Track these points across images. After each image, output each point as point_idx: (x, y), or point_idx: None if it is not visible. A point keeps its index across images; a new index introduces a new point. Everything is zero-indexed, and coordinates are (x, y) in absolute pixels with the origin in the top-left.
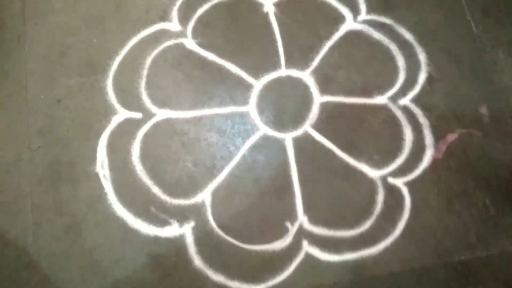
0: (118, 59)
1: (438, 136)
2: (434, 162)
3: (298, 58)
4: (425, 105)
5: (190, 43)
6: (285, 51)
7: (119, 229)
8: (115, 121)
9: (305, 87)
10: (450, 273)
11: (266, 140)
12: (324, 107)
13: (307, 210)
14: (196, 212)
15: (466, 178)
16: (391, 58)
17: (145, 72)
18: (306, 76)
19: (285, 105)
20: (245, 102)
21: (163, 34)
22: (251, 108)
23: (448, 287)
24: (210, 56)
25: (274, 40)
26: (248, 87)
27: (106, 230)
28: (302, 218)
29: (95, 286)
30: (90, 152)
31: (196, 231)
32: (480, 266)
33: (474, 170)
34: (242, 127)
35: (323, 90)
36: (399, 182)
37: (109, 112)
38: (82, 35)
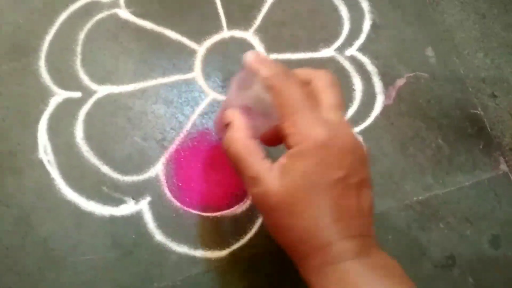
0: (48, 38)
1: (387, 83)
2: (385, 109)
3: (240, 18)
4: (372, 53)
5: (124, 13)
6: (226, 12)
7: (72, 214)
8: (53, 103)
9: (250, 47)
10: (411, 215)
11: (216, 105)
12: None
13: None
14: (151, 186)
15: (418, 120)
16: (334, 9)
17: (79, 49)
18: (250, 35)
19: (232, 67)
20: (189, 69)
21: (94, 6)
22: (196, 74)
23: (410, 228)
24: (147, 24)
25: (212, 1)
26: (191, 53)
27: (58, 217)
28: None
29: (53, 275)
30: (30, 139)
31: (153, 205)
32: (439, 204)
33: (424, 112)
34: (190, 95)
35: (269, 49)
36: None
37: (45, 94)
38: (7, 17)
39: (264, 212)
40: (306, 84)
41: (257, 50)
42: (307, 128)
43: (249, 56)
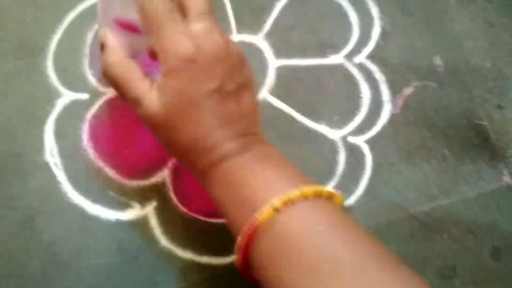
0: (56, 38)
1: (395, 91)
2: (392, 117)
3: (249, 22)
4: (381, 61)
5: None
6: (235, 15)
7: (77, 218)
8: (60, 104)
9: (260, 52)
10: (415, 225)
11: None
12: (280, 71)
13: None
14: (157, 191)
15: (424, 130)
16: (344, 15)
17: (87, 49)
18: (260, 40)
19: None
20: None
21: None
22: None
23: (414, 238)
24: None
25: (222, 4)
26: None
27: (63, 220)
28: None
29: (58, 279)
30: (37, 140)
31: (160, 210)
32: (443, 215)
33: (431, 122)
34: None
35: (278, 54)
36: (359, 141)
37: (52, 95)
38: (14, 15)
39: (151, 129)
40: None
41: None
42: (172, 44)
43: None
